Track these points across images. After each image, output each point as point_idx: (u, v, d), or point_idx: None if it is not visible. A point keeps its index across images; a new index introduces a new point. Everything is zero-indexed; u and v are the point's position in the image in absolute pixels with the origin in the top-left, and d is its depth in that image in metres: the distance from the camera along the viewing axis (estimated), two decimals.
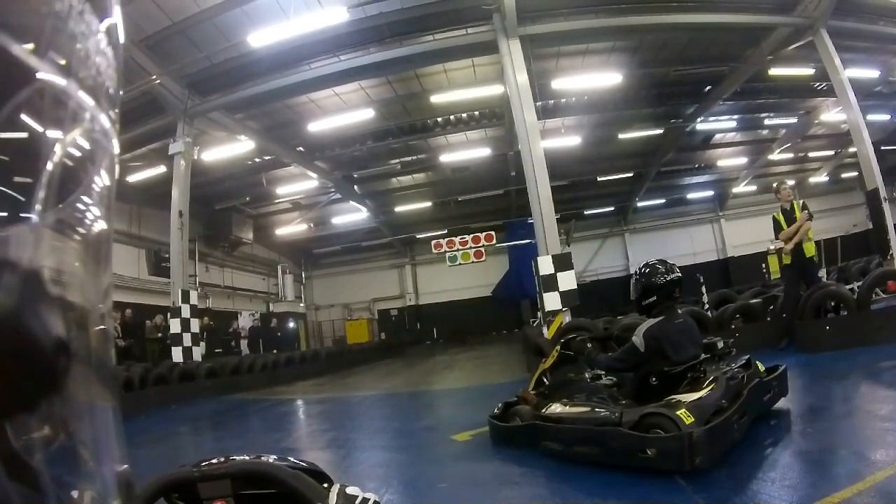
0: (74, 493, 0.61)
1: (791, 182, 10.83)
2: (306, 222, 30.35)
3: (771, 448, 4.19)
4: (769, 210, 10.02)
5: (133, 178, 20.28)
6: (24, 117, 0.51)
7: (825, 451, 4.04)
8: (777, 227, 9.46)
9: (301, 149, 21.59)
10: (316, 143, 21.13)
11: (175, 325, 15.30)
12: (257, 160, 22.02)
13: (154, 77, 15.02)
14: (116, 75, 0.65)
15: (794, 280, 9.38)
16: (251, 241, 29.04)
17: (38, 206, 0.52)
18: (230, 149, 19.14)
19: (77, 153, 0.58)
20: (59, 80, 0.54)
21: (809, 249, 9.15)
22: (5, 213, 0.52)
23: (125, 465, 0.71)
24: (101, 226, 0.63)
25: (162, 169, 19.02)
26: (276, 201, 27.79)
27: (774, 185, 10.16)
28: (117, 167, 0.67)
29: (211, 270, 27.86)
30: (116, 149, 0.66)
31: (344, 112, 18.64)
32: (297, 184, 25.02)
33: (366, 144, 21.44)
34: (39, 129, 0.53)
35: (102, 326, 0.65)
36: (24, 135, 0.52)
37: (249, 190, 25.40)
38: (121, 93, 0.67)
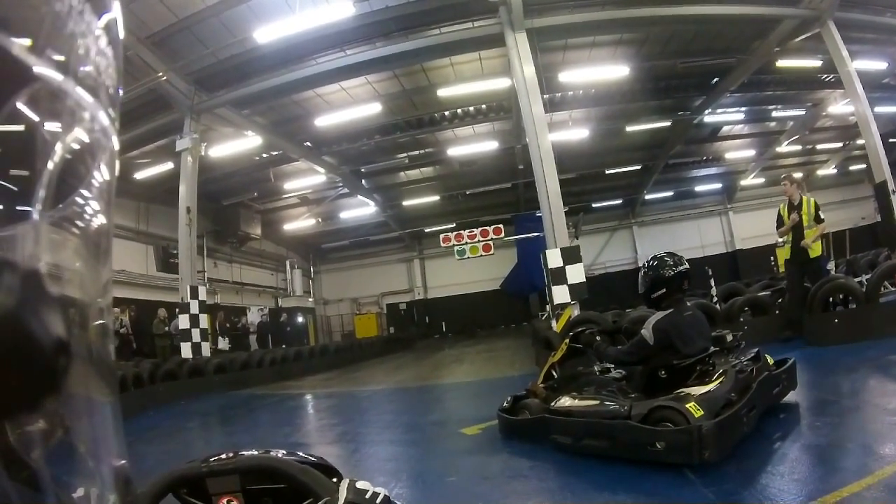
0: (72, 489, 0.62)
1: (798, 175, 10.91)
2: (314, 217, 30.43)
3: (780, 442, 4.18)
4: (777, 203, 9.95)
5: (140, 175, 20.36)
6: (23, 116, 0.51)
7: (834, 445, 4.03)
8: (779, 221, 9.49)
9: (308, 144, 21.59)
10: (323, 137, 21.15)
11: (184, 321, 15.37)
12: (265, 156, 22.07)
13: (160, 74, 15.06)
14: (116, 74, 0.65)
15: (795, 275, 9.39)
16: (259, 236, 29.14)
17: (37, 205, 0.52)
18: (237, 144, 19.19)
19: (77, 152, 0.58)
20: (59, 79, 0.54)
21: (815, 250, 9.07)
22: (5, 212, 0.53)
23: (123, 461, 0.71)
24: (101, 224, 0.63)
25: (169, 165, 19.10)
26: (284, 196, 27.89)
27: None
28: (118, 165, 0.68)
29: (219, 266, 27.93)
30: (116, 146, 0.66)
31: (351, 106, 18.65)
32: (305, 179, 25.04)
33: (373, 139, 21.45)
34: (39, 127, 0.53)
35: (101, 322, 0.66)
36: (24, 133, 0.52)
37: (257, 185, 25.47)
38: (121, 91, 0.67)
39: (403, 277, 38.74)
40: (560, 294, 12.02)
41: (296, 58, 15.44)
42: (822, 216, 9.16)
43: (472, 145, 23.17)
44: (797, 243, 9.13)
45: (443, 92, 18.18)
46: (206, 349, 15.49)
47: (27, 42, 0.51)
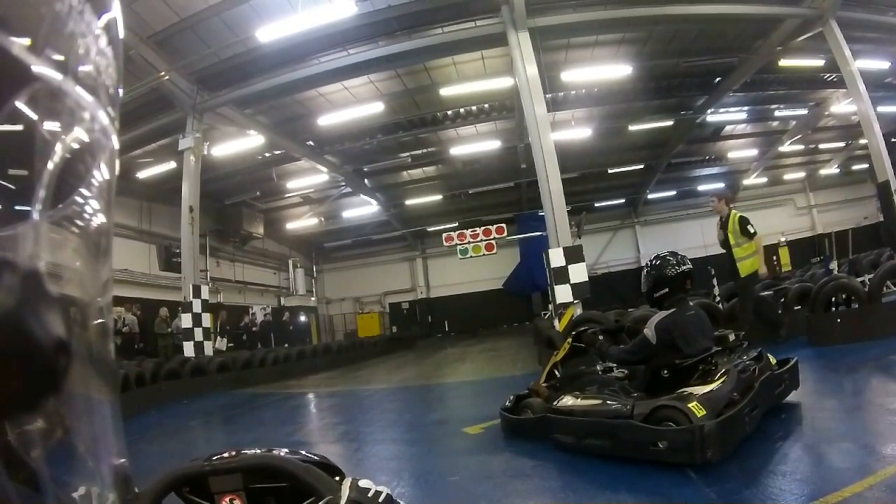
0: (72, 488, 0.62)
1: (722, 190, 10.89)
2: (317, 216, 30.39)
3: (782, 441, 4.18)
4: (780, 202, 9.95)
5: (143, 175, 20.40)
6: (23, 116, 0.51)
7: (835, 445, 4.04)
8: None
9: (311, 143, 21.58)
10: (326, 137, 21.13)
11: (186, 320, 15.38)
12: (267, 155, 22.03)
13: (163, 73, 15.07)
14: (116, 74, 0.65)
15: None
16: (262, 235, 29.11)
17: (37, 205, 0.52)
18: (240, 144, 19.17)
19: (77, 151, 0.58)
20: (59, 79, 0.54)
21: (744, 268, 8.70)
22: (5, 212, 0.53)
23: (122, 460, 0.72)
24: (101, 224, 0.63)
25: (172, 165, 19.12)
26: (287, 196, 27.87)
27: None
28: (118, 164, 0.68)
29: (222, 265, 27.91)
30: (116, 146, 0.66)
31: (353, 106, 18.62)
32: (308, 178, 25.02)
33: (376, 138, 21.45)
34: (39, 127, 0.53)
35: (102, 321, 0.66)
36: (24, 134, 0.52)
37: (260, 185, 25.46)
38: (121, 91, 0.67)
39: (406, 277, 38.69)
40: (562, 293, 12.02)
41: (298, 57, 15.43)
42: (753, 230, 8.64)
43: (474, 144, 23.15)
44: (730, 260, 8.89)
45: (445, 91, 18.16)
46: (208, 348, 15.50)
47: (27, 42, 0.51)
